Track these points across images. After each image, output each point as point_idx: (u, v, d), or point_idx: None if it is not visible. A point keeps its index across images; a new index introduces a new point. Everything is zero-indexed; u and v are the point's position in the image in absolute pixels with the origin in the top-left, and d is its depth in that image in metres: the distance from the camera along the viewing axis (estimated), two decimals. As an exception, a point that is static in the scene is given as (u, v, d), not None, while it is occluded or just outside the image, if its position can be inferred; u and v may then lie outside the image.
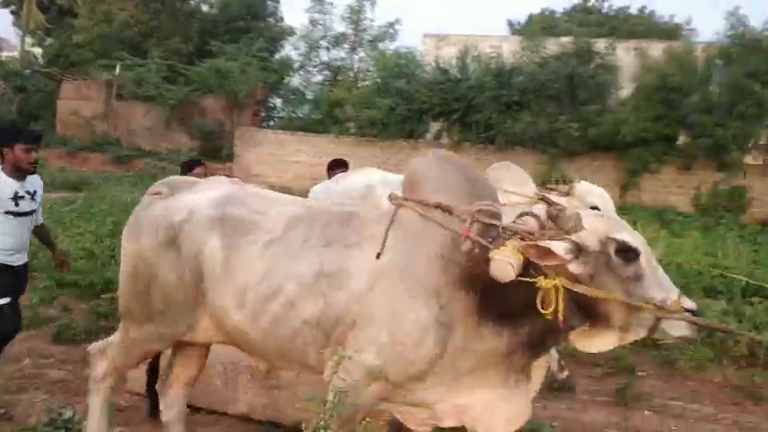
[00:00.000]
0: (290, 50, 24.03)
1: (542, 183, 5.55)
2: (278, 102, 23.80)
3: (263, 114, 22.73)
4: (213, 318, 3.13)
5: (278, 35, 24.06)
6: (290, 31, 24.13)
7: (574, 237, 2.58)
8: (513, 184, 5.58)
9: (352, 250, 2.92)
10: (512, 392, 2.89)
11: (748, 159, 15.46)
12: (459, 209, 2.81)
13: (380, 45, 22.81)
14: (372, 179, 5.94)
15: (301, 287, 2.92)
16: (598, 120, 15.65)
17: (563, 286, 2.53)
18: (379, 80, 18.53)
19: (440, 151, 3.19)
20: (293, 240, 3.01)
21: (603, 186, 17.64)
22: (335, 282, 2.88)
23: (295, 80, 23.69)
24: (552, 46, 16.92)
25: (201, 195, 3.22)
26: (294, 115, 22.35)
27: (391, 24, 22.94)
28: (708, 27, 63.89)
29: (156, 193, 3.34)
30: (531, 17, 27.91)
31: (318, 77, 23.79)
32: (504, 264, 2.53)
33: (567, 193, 5.87)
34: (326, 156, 18.31)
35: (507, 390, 2.88)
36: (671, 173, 15.48)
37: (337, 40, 23.21)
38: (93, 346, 3.54)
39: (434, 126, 18.13)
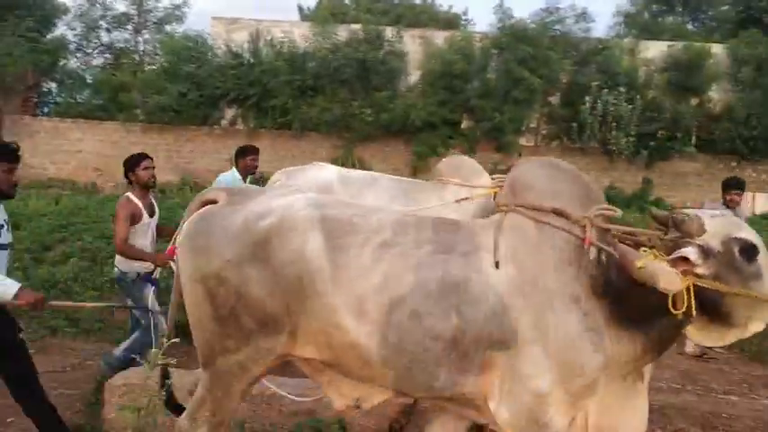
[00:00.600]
0: (64, 30, 21.99)
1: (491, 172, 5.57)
2: (53, 86, 21.72)
3: (36, 101, 20.62)
4: (317, 333, 2.73)
5: (50, 13, 21.88)
6: (65, 9, 22.07)
7: (699, 240, 2.63)
8: (467, 177, 5.57)
9: (469, 259, 2.70)
10: (635, 395, 2.84)
11: (522, 141, 16.93)
12: (575, 214, 2.72)
13: (167, 27, 21.70)
14: (328, 176, 5.69)
15: (428, 298, 2.63)
16: (390, 105, 16.22)
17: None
18: (166, 64, 17.60)
19: (547, 158, 3.07)
20: (407, 245, 2.72)
21: (395, 170, 18.45)
22: (467, 296, 2.63)
23: (72, 63, 21.74)
24: (342, 32, 17.20)
25: (288, 199, 2.86)
26: (73, 101, 20.52)
27: (177, 6, 21.91)
28: (483, 18, 68.94)
29: (209, 202, 2.94)
30: (320, 2, 28.11)
31: (99, 60, 22.08)
32: (673, 275, 2.52)
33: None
34: (112, 144, 17.18)
35: (629, 392, 2.82)
36: (456, 155, 16.49)
37: (119, 21, 21.68)
38: (182, 419, 3.01)
39: (229, 112, 17.68)
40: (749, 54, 15.99)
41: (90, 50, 22.00)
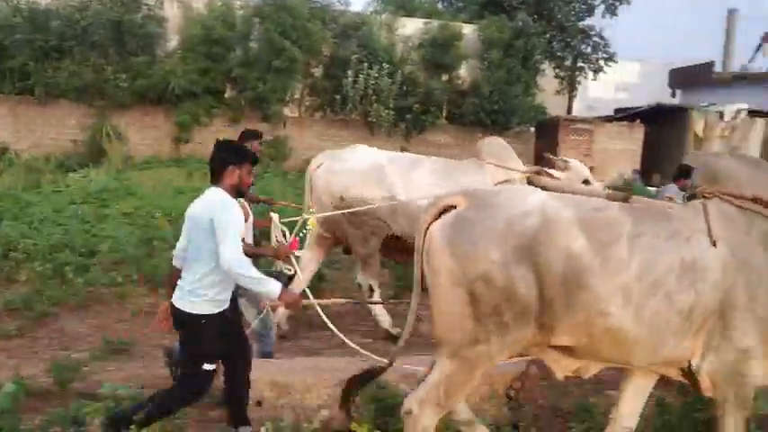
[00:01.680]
0: None
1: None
2: None
3: None
4: (580, 322, 3.07)
5: None
6: None
7: None
8: (504, 160, 5.88)
9: (691, 242, 3.18)
10: None
11: (287, 112, 17.00)
12: None
13: None
14: (377, 158, 5.92)
15: (675, 279, 3.09)
16: (147, 71, 15.39)
17: None
18: None
19: (741, 153, 3.75)
20: (648, 235, 3.14)
21: (156, 140, 17.54)
22: (698, 274, 3.12)
23: None
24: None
25: (539, 196, 3.19)
26: None
27: None
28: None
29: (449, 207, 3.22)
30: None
31: None
32: None
33: (564, 169, 6.29)
34: None
35: None
36: (221, 125, 16.11)
37: None
38: (411, 402, 3.20)
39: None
40: (497, 37, 17.40)
41: None
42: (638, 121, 19.60)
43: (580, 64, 22.18)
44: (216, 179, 3.74)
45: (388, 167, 5.91)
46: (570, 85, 22.42)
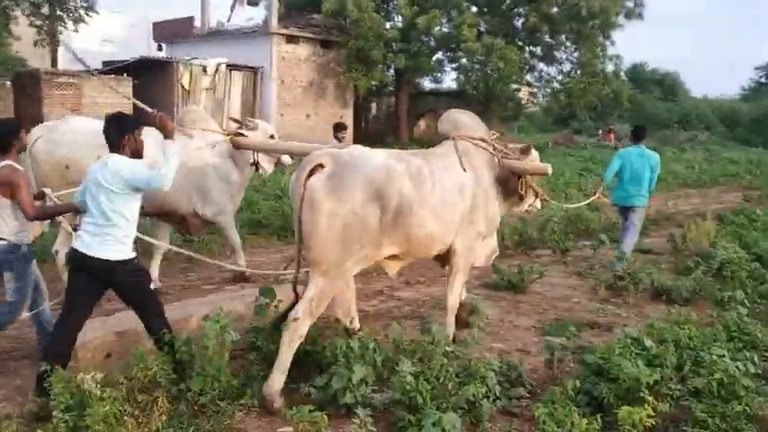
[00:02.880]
0: None
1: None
2: None
3: None
4: (404, 235, 4.47)
5: None
6: None
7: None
8: (206, 126, 6.86)
9: (455, 170, 4.99)
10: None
11: None
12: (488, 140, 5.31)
13: None
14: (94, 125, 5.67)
15: (456, 196, 4.82)
16: None
17: None
18: None
19: (465, 111, 5.60)
20: (438, 171, 4.79)
21: None
22: (463, 189, 4.88)
23: None
24: None
25: (382, 157, 4.54)
26: None
27: None
28: None
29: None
30: None
31: None
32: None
33: (253, 128, 7.19)
34: None
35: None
36: None
37: None
38: (296, 311, 4.11)
39: None
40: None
41: None
42: (126, 74, 19.78)
43: (59, 13, 21.11)
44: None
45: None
46: (51, 35, 21.21)
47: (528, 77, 27.44)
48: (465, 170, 4.85)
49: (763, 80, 49.85)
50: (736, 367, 3.76)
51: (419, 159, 4.65)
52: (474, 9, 25.63)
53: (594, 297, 6.72)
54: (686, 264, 7.48)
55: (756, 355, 4.33)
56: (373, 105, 30.21)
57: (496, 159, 5.15)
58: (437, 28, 24.01)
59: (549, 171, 5.36)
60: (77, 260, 4.02)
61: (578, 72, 25.94)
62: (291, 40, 23.85)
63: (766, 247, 7.75)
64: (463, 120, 5.26)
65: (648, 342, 4.12)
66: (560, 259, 8.35)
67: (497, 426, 3.83)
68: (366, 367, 3.81)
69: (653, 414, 3.43)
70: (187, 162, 6.17)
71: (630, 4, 24.73)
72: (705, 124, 39.55)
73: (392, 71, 26.11)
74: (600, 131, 34.29)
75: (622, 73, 28.07)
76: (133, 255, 4.07)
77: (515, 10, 25.93)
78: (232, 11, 27.33)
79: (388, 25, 25.18)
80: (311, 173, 4.19)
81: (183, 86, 21.43)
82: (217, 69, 22.23)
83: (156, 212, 6.41)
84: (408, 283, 7.17)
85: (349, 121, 25.39)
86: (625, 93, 26.77)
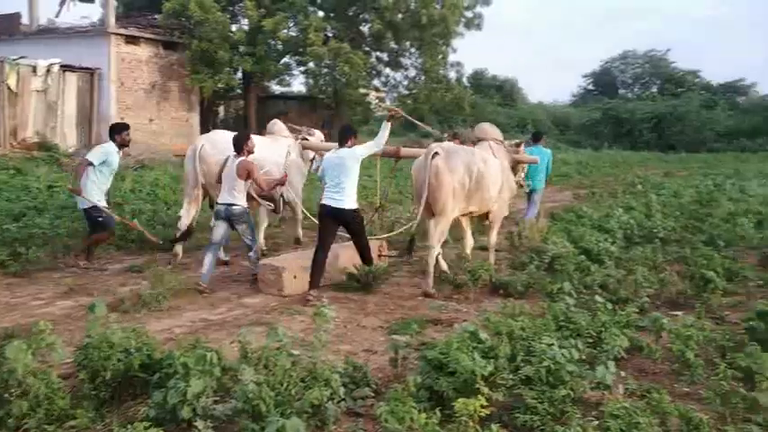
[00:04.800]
0: None
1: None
2: None
3: None
4: (479, 198, 7.33)
5: None
6: None
7: None
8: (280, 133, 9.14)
9: (492, 160, 7.77)
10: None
11: None
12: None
13: None
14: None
15: (500, 174, 7.74)
16: None
17: None
18: None
19: (489, 123, 8.66)
20: (490, 158, 7.72)
21: None
22: (500, 171, 7.71)
23: None
24: None
25: (476, 151, 7.63)
26: None
27: None
28: None
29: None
30: None
31: None
32: None
33: (312, 135, 9.62)
34: None
35: None
36: None
37: None
38: (431, 243, 7.08)
39: None
40: None
41: None
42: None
43: None
44: None
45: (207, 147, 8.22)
46: None
47: (375, 82, 27.99)
48: (497, 158, 7.70)
49: (590, 87, 54.34)
50: (563, 354, 4.03)
51: (484, 150, 7.70)
52: (321, 14, 25.75)
53: (438, 294, 6.96)
54: (521, 259, 7.96)
55: (581, 341, 4.68)
56: (221, 109, 29.48)
57: (507, 153, 8.12)
58: (284, 31, 23.86)
59: (537, 160, 9.39)
60: (326, 211, 6.75)
61: (422, 78, 26.83)
62: (131, 40, 22.64)
63: (592, 241, 8.41)
64: (489, 129, 8.24)
65: (484, 335, 4.32)
66: (407, 260, 8.57)
67: (343, 427, 3.84)
68: (205, 379, 3.67)
69: (487, 404, 3.59)
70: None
71: (470, 15, 25.95)
72: (540, 128, 42.38)
73: (240, 74, 25.63)
74: (446, 135, 35.62)
75: (464, 79, 29.40)
76: (357, 205, 6.88)
77: (361, 16, 26.35)
78: (61, 6, 25.50)
79: (234, 27, 24.69)
80: (433, 157, 6.95)
81: (9, 88, 19.70)
82: (48, 70, 20.67)
83: (261, 196, 7.98)
84: (256, 289, 7.05)
85: (196, 124, 24.60)
86: (467, 98, 28.04)
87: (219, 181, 7.07)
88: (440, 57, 26.50)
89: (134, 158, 19.59)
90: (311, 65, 25.24)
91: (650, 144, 38.48)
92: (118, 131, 8.11)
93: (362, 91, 26.43)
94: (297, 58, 25.49)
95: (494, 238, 7.96)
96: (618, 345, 4.78)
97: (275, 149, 8.57)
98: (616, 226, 9.71)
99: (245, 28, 24.46)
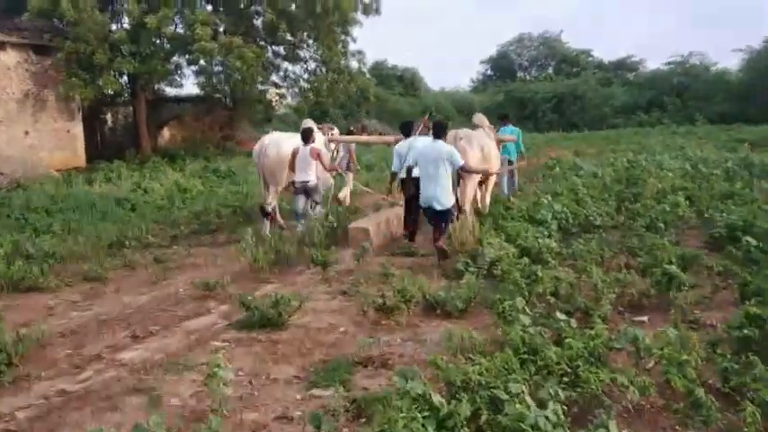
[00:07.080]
0: None
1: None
2: None
3: None
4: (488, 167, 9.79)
5: None
6: None
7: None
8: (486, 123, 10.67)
9: (487, 139, 10.43)
10: None
11: None
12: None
13: None
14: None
15: (493, 149, 10.33)
16: None
17: None
18: None
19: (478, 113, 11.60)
20: (485, 138, 10.31)
21: None
22: (492, 146, 10.15)
23: None
24: None
25: (478, 132, 10.25)
26: None
27: None
28: None
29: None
30: None
31: None
32: None
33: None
34: None
35: None
36: None
37: None
38: (466, 207, 9.27)
39: None
40: None
41: None
42: None
43: None
44: None
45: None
46: None
47: (274, 78, 26.46)
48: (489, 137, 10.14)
49: (489, 72, 54.48)
50: (546, 419, 2.95)
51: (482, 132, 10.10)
52: (209, 8, 23.96)
53: (363, 320, 5.79)
54: (455, 266, 6.91)
55: (554, 382, 3.64)
56: (108, 116, 27.09)
57: (495, 136, 10.65)
58: (170, 28, 21.96)
59: (516, 139, 12.31)
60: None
61: (323, 70, 25.53)
62: (-5, 46, 20.18)
63: (529, 238, 7.47)
64: (482, 118, 10.70)
65: (437, 398, 3.19)
66: (323, 276, 7.34)
67: None
68: None
69: None
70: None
71: (367, 0, 24.83)
72: (444, 115, 42.00)
73: (125, 77, 23.50)
74: (353, 128, 34.52)
75: (365, 69, 28.29)
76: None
77: (253, 8, 24.71)
78: None
79: (113, 26, 22.55)
80: (458, 140, 8.97)
81: None
82: None
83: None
84: (136, 337, 5.63)
85: (79, 135, 22.37)
86: (371, 88, 26.97)
87: (293, 168, 9.25)
88: (339, 46, 25.26)
89: (7, 177, 17.46)
90: (202, 62, 23.42)
91: (553, 124, 38.73)
92: None
93: (260, 88, 24.87)
94: (187, 56, 23.57)
95: (487, 199, 10.45)
96: (598, 385, 3.76)
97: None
98: (549, 216, 8.82)
99: (127, 26, 22.37)
